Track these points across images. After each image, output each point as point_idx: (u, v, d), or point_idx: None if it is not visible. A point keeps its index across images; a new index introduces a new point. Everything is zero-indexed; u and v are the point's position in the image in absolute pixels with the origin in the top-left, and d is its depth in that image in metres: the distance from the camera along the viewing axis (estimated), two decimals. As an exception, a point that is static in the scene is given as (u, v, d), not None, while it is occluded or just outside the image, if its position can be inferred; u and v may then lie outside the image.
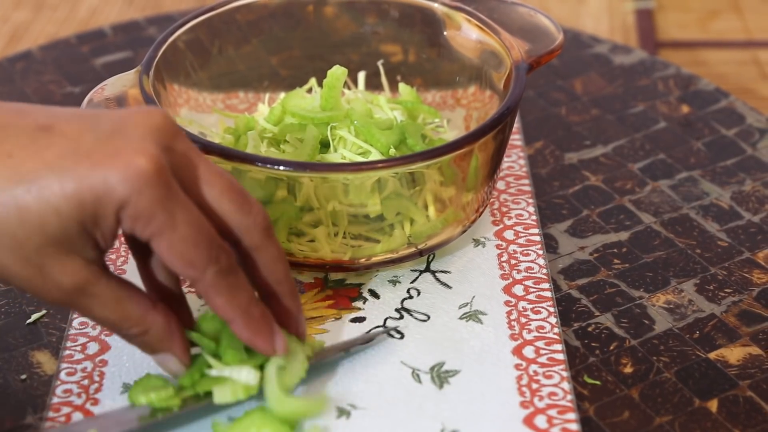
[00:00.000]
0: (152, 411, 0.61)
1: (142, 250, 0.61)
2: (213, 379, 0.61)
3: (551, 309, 0.70)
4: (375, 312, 0.70)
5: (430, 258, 0.74)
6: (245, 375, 0.61)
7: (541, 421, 0.62)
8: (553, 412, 0.63)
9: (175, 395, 0.62)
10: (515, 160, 0.82)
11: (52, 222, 0.54)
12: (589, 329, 0.70)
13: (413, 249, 0.71)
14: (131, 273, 0.72)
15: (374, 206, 0.69)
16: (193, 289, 0.67)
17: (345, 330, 0.69)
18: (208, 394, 0.62)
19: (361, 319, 0.69)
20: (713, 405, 0.65)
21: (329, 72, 0.75)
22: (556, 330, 0.68)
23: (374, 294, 0.71)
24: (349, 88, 0.81)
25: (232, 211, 0.59)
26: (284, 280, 0.62)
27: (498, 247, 0.75)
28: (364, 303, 0.71)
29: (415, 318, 0.70)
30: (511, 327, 0.69)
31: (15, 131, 0.55)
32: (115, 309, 0.58)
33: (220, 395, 0.61)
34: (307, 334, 0.64)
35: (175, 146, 0.57)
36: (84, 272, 0.56)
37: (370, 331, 0.68)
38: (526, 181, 0.80)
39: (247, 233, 0.59)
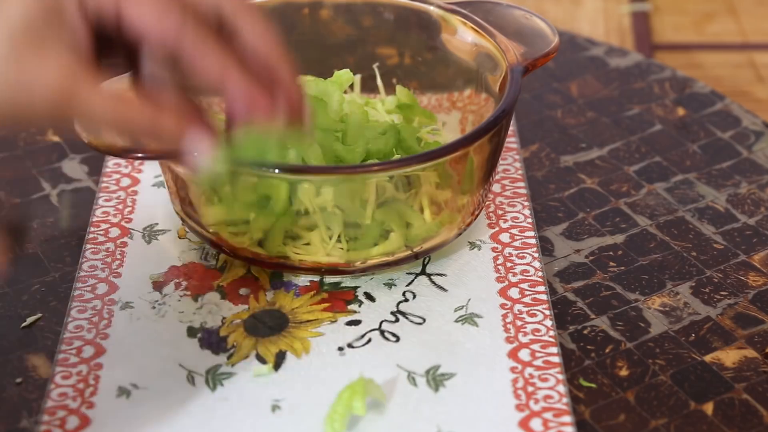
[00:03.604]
0: None
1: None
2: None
3: (547, 312, 0.70)
4: (370, 315, 0.70)
5: (426, 261, 0.74)
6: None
7: (536, 424, 0.62)
8: (548, 415, 0.63)
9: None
10: (511, 162, 0.82)
11: (15, 13, 0.54)
12: (585, 332, 0.70)
13: (409, 252, 0.71)
14: (127, 275, 0.72)
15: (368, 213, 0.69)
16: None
17: (340, 333, 0.69)
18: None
19: (356, 322, 0.69)
20: (709, 408, 0.65)
21: (336, 73, 0.75)
22: (551, 333, 0.68)
23: (370, 297, 0.71)
24: (345, 91, 0.81)
25: None
26: (275, 46, 0.58)
27: (494, 249, 0.75)
28: (359, 306, 0.71)
29: (411, 321, 0.70)
30: (506, 330, 0.68)
31: None
32: (117, 103, 0.55)
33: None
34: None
35: None
36: (67, 65, 0.54)
37: None
38: (522, 184, 0.80)
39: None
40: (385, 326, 0.69)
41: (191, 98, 0.59)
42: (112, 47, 0.57)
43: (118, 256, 0.74)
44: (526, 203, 0.79)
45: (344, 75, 0.76)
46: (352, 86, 0.81)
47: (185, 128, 0.57)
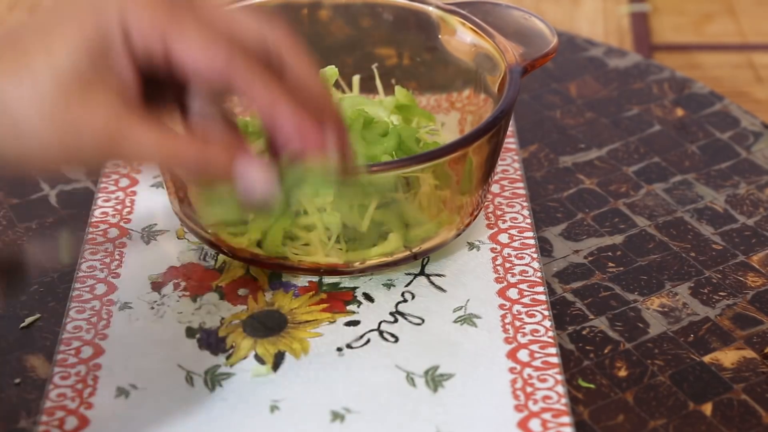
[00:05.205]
0: None
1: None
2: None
3: (546, 312, 0.70)
4: (369, 316, 0.70)
5: (425, 261, 0.74)
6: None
7: (535, 424, 0.62)
8: (547, 416, 0.63)
9: None
10: (510, 163, 0.82)
11: (62, 59, 0.54)
12: (584, 332, 0.70)
13: (408, 252, 0.71)
14: (126, 276, 0.72)
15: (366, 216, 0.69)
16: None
17: (339, 333, 0.68)
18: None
19: (355, 323, 0.69)
20: (708, 408, 0.65)
21: (321, 71, 0.75)
22: (550, 333, 0.68)
23: (369, 297, 0.71)
24: (344, 92, 0.81)
25: (249, 20, 0.57)
26: (320, 79, 0.58)
27: (492, 250, 0.75)
28: (358, 306, 0.71)
29: (410, 322, 0.69)
30: (505, 330, 0.68)
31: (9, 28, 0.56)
32: (163, 142, 0.56)
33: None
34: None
35: None
36: (114, 108, 0.55)
37: None
38: (521, 185, 0.80)
39: (270, 34, 0.57)
40: (383, 327, 0.69)
41: (238, 132, 0.59)
42: (161, 87, 0.58)
43: (117, 257, 0.74)
44: (525, 204, 0.79)
45: (329, 71, 0.76)
46: (351, 87, 0.81)
47: (234, 158, 0.57)
